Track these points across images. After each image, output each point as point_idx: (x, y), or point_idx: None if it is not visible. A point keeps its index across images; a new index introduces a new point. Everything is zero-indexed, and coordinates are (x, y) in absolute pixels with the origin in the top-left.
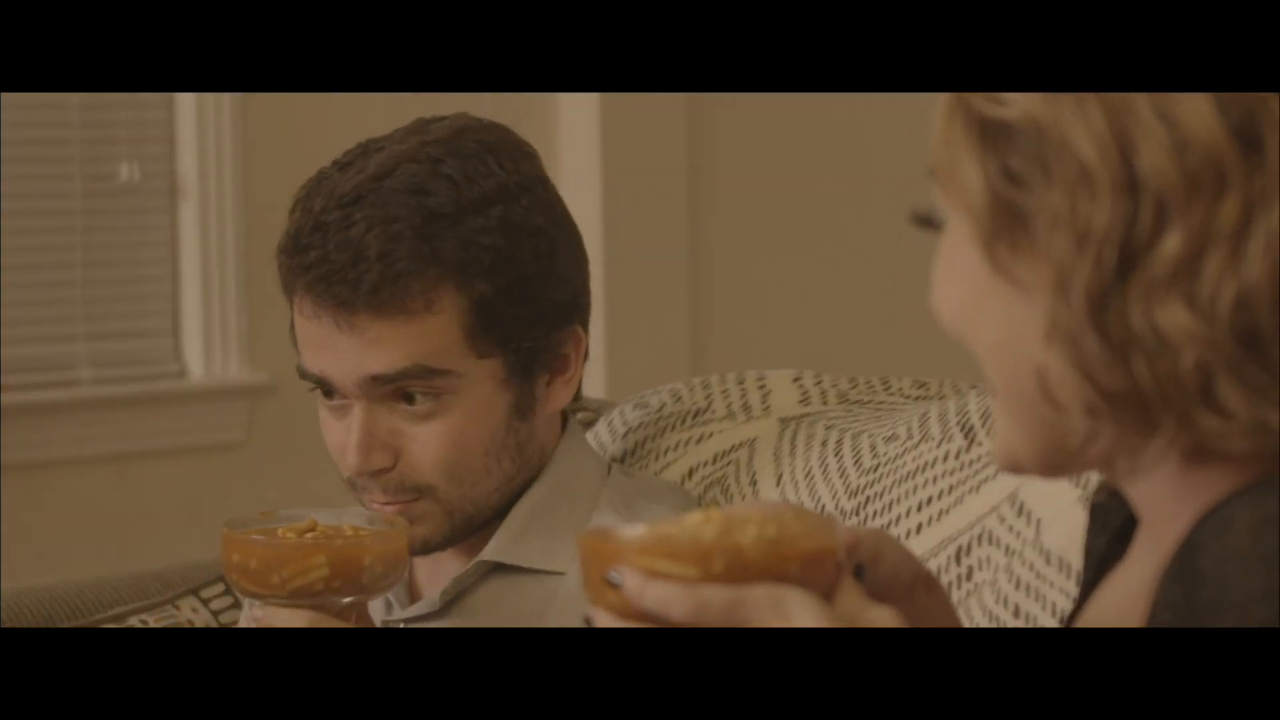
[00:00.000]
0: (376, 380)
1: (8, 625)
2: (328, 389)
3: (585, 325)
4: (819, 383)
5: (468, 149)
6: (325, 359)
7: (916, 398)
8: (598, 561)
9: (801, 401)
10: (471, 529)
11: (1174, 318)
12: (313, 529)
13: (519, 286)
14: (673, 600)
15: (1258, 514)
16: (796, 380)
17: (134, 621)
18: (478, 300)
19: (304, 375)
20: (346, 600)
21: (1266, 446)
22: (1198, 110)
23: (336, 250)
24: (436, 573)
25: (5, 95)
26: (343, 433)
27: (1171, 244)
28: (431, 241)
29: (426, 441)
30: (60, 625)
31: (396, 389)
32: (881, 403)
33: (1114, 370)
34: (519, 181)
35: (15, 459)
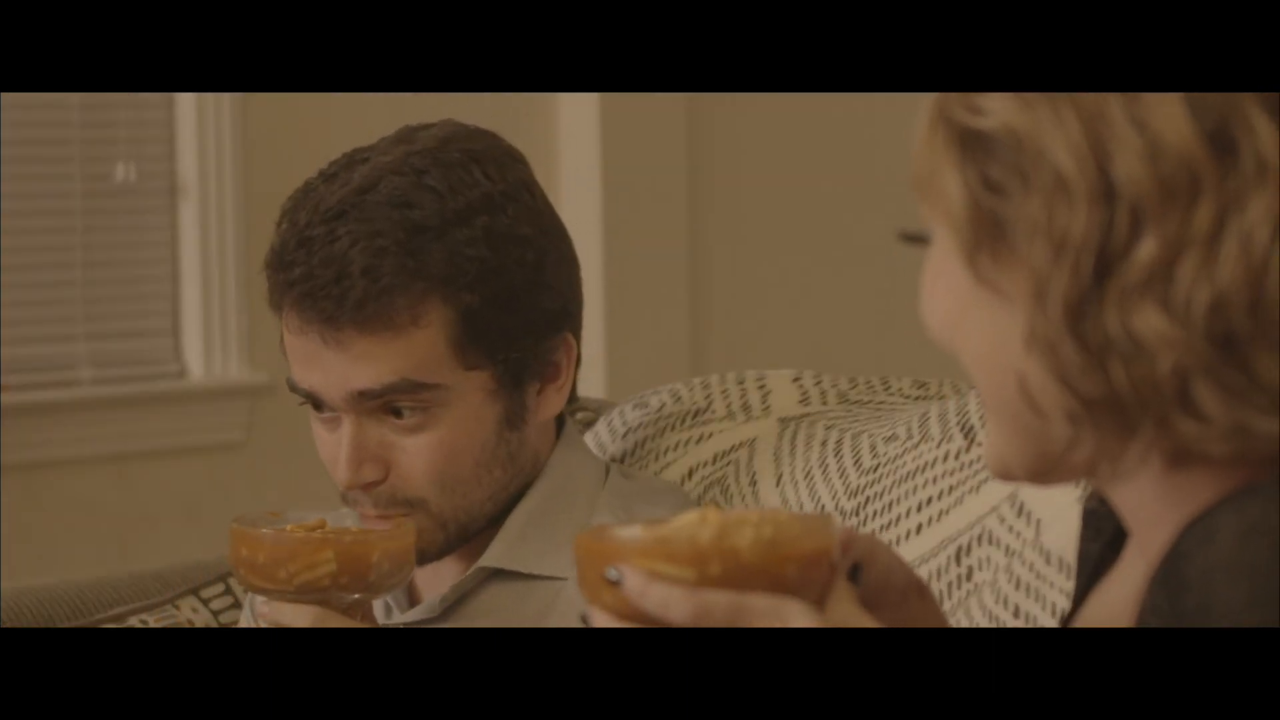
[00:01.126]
0: (364, 395)
1: (8, 625)
2: (317, 403)
3: (577, 332)
4: (819, 383)
5: (452, 159)
6: (313, 374)
7: (916, 398)
8: (594, 561)
9: (801, 401)
10: (466, 537)
11: (1150, 323)
12: (322, 527)
13: (506, 297)
14: (673, 603)
15: (1243, 522)
16: (796, 380)
17: (134, 621)
18: (464, 313)
19: (294, 389)
20: (353, 597)
21: (1247, 450)
22: (1171, 116)
23: (321, 266)
24: (435, 577)
25: (5, 95)
26: (334, 446)
27: (1146, 250)
28: (416, 255)
29: (416, 454)
30: (60, 625)
31: (384, 403)
32: (881, 403)
33: (1092, 376)
34: (504, 190)
35: (15, 459)
